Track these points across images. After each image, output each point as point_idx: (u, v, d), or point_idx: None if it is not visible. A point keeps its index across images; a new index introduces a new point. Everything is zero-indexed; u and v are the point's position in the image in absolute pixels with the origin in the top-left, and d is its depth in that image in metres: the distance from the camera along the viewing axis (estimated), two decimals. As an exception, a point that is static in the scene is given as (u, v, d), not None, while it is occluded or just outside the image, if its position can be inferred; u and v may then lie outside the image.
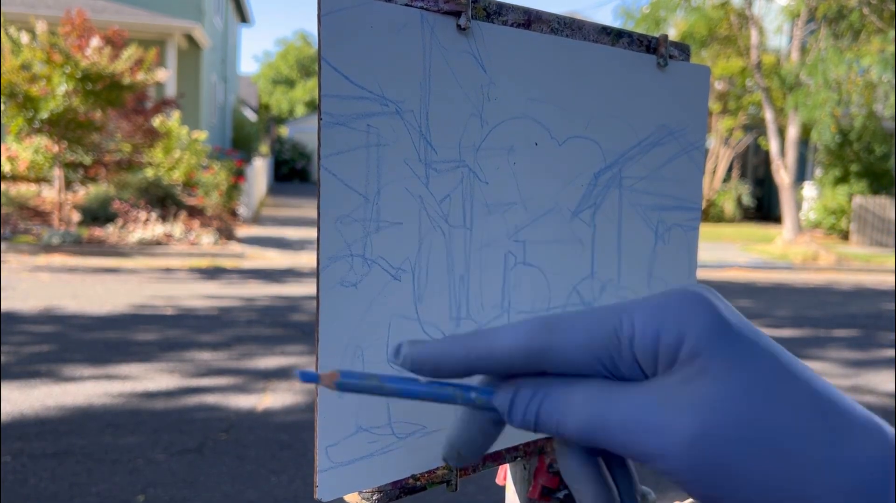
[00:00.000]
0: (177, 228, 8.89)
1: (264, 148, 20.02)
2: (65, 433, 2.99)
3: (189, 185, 11.62)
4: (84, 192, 10.70)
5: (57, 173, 8.78)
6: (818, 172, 15.35)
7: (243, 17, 23.09)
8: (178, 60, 14.03)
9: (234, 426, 3.17)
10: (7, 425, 3.05)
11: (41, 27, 8.59)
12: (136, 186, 10.16)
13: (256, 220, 11.86)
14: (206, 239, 8.77)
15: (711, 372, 0.26)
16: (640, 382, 0.28)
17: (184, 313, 5.32)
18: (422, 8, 0.60)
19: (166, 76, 10.69)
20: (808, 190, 15.65)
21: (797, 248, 10.78)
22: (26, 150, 10.45)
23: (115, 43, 9.93)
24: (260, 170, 14.35)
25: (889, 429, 0.26)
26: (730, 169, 17.00)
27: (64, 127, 8.58)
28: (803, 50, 11.71)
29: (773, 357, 0.27)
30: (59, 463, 2.71)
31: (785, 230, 11.62)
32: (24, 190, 10.66)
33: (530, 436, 0.73)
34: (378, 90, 0.58)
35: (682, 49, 0.77)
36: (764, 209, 18.08)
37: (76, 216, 9.21)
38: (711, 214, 15.94)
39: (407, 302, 0.62)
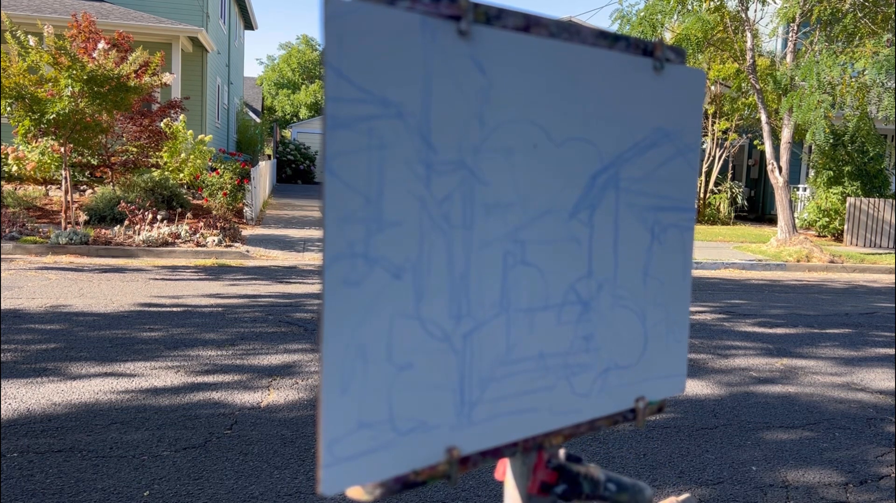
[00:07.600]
0: (182, 228, 8.93)
1: (268, 150, 20.04)
2: (71, 429, 3.02)
3: (195, 186, 11.66)
4: (91, 193, 10.75)
5: (64, 174, 8.83)
6: (812, 173, 15.35)
7: (248, 23, 23.11)
8: (183, 64, 14.08)
9: (238, 422, 3.19)
10: (14, 422, 3.07)
11: (48, 31, 8.64)
12: (142, 187, 10.21)
13: (260, 220, 11.89)
14: (212, 239, 8.81)
15: None
16: None
17: (189, 311, 5.35)
18: (423, 13, 0.61)
19: (172, 79, 10.73)
20: (803, 191, 15.66)
21: (791, 248, 10.76)
22: (33, 152, 10.51)
23: (121, 46, 9.98)
24: (264, 171, 14.39)
25: None
26: (724, 170, 16.99)
27: (70, 129, 8.63)
28: (797, 53, 11.69)
29: None
30: (66, 459, 2.73)
31: (779, 230, 11.61)
32: (31, 190, 10.72)
33: (528, 432, 0.74)
34: (380, 93, 0.59)
35: (678, 53, 0.78)
36: (758, 210, 18.09)
37: (83, 216, 9.26)
38: (706, 215, 15.95)
39: (408, 300, 0.63)
